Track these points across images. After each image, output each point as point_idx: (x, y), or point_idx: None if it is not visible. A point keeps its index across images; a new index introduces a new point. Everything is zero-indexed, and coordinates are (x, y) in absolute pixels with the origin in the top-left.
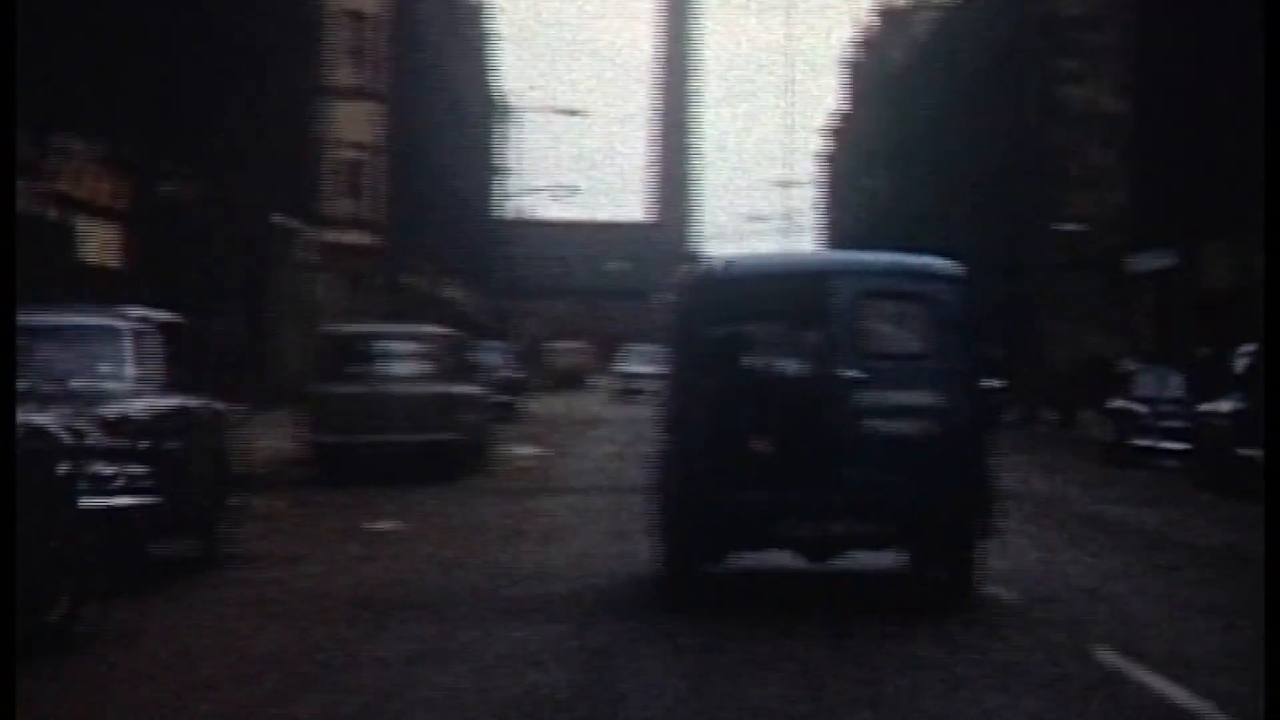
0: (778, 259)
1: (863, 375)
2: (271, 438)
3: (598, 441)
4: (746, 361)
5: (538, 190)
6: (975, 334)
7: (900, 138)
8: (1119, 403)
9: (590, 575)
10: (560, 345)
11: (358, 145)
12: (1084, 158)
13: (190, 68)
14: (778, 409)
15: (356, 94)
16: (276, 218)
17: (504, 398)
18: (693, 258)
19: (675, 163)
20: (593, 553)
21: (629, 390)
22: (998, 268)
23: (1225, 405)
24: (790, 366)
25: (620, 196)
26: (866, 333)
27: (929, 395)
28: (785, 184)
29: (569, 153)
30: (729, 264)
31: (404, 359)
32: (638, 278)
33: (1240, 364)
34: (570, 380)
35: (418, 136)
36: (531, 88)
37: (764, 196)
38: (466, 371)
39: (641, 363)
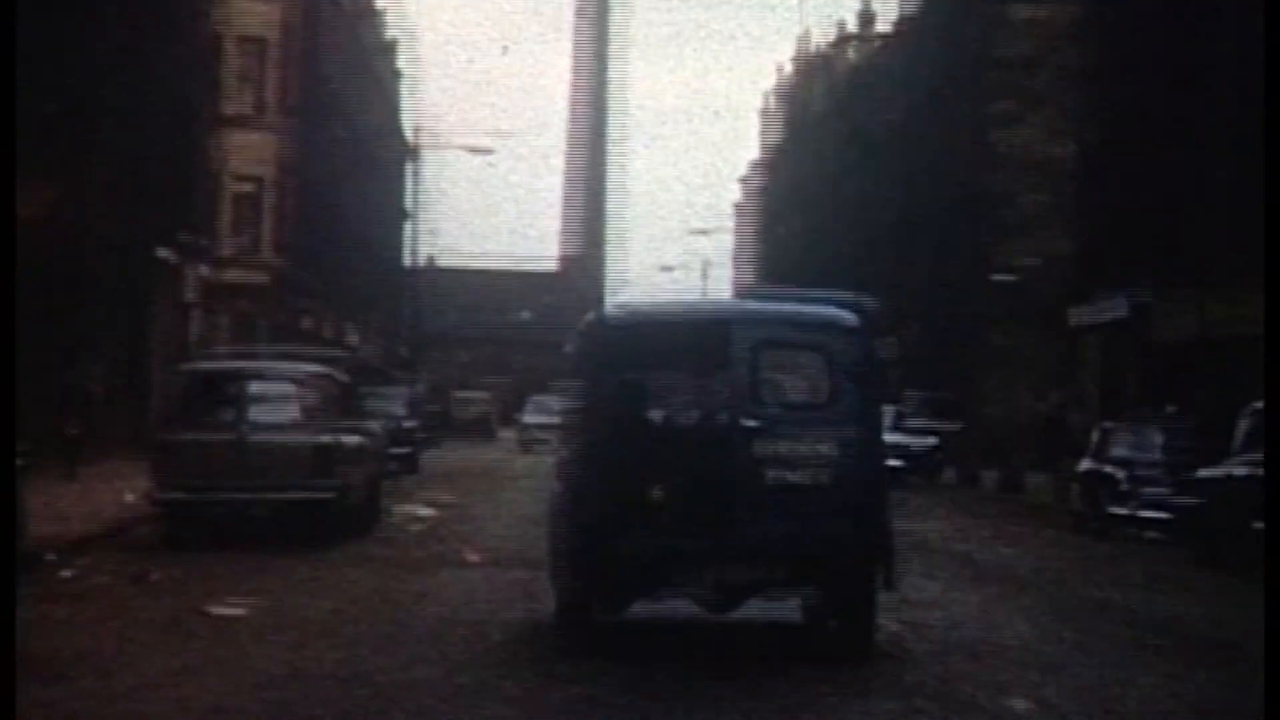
0: (675, 307)
1: (759, 424)
2: (118, 493)
3: (504, 500)
4: (643, 409)
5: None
6: (870, 384)
7: (818, 183)
8: (1090, 465)
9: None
10: (466, 394)
11: (249, 178)
12: (1019, 204)
13: (56, 76)
14: (674, 457)
15: (247, 123)
16: (160, 252)
17: (402, 449)
18: (598, 305)
19: (588, 209)
20: (497, 666)
21: (530, 440)
22: (928, 316)
23: (1238, 470)
24: (687, 415)
25: (530, 243)
26: (763, 382)
27: (824, 444)
28: (700, 232)
29: (480, 196)
30: (626, 311)
31: (273, 401)
32: (547, 327)
33: (1248, 423)
34: (477, 430)
35: (316, 171)
36: (441, 127)
37: (680, 245)
38: (351, 417)
39: (544, 414)
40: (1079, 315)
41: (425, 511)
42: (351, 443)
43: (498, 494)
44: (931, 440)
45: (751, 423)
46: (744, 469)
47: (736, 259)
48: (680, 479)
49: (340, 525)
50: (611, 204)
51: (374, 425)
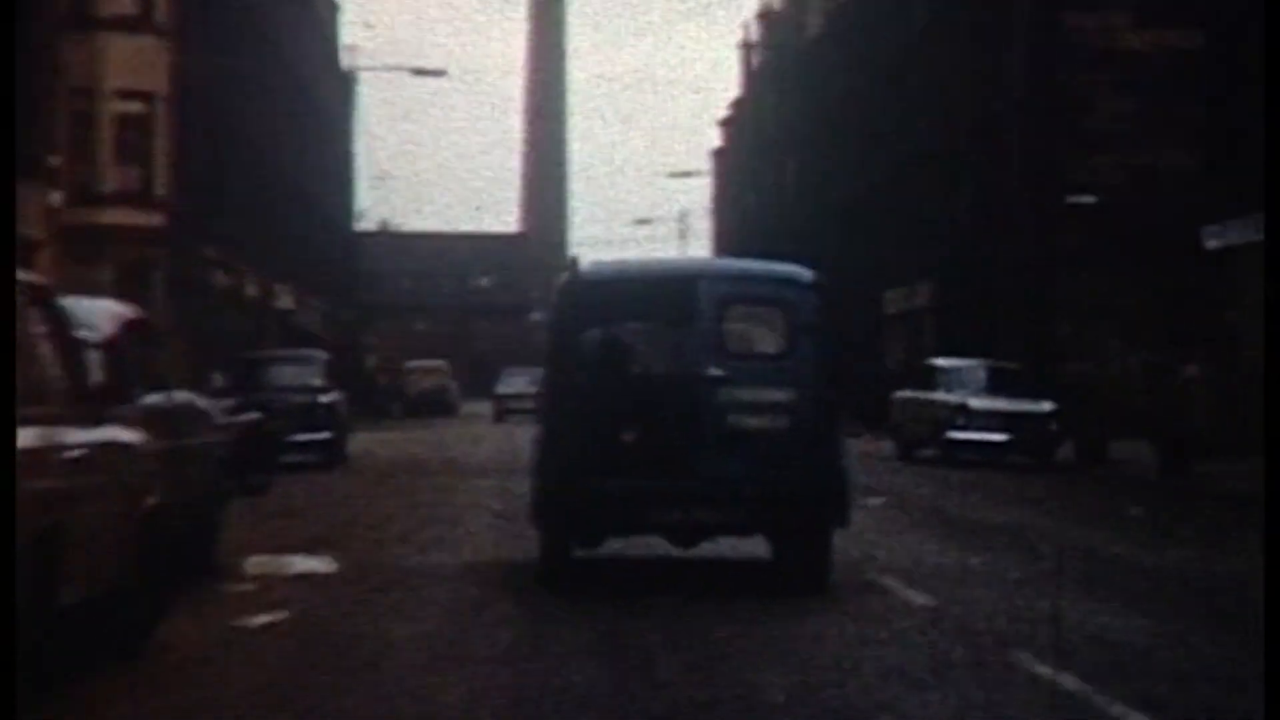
0: (645, 264)
1: (723, 373)
2: None
3: (464, 524)
4: (616, 360)
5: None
6: (826, 336)
7: (817, 115)
8: None
9: None
10: (419, 365)
11: (135, 94)
12: (1100, 108)
13: None
14: (645, 404)
15: (130, 26)
16: None
17: (317, 434)
18: (573, 263)
19: (550, 166)
20: None
21: (505, 411)
22: (976, 261)
23: None
24: (657, 365)
25: (488, 205)
26: (727, 334)
27: (783, 392)
28: (681, 175)
29: (431, 145)
30: (599, 268)
31: None
32: (508, 293)
33: None
34: (432, 406)
35: (228, 94)
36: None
37: (656, 193)
38: (120, 380)
39: (518, 384)
40: (1222, 235)
41: (307, 566)
42: (93, 443)
43: (451, 508)
44: (1045, 405)
45: (716, 371)
46: (709, 415)
47: (718, 210)
48: (650, 424)
49: (49, 642)
50: (578, 158)
51: (177, 399)
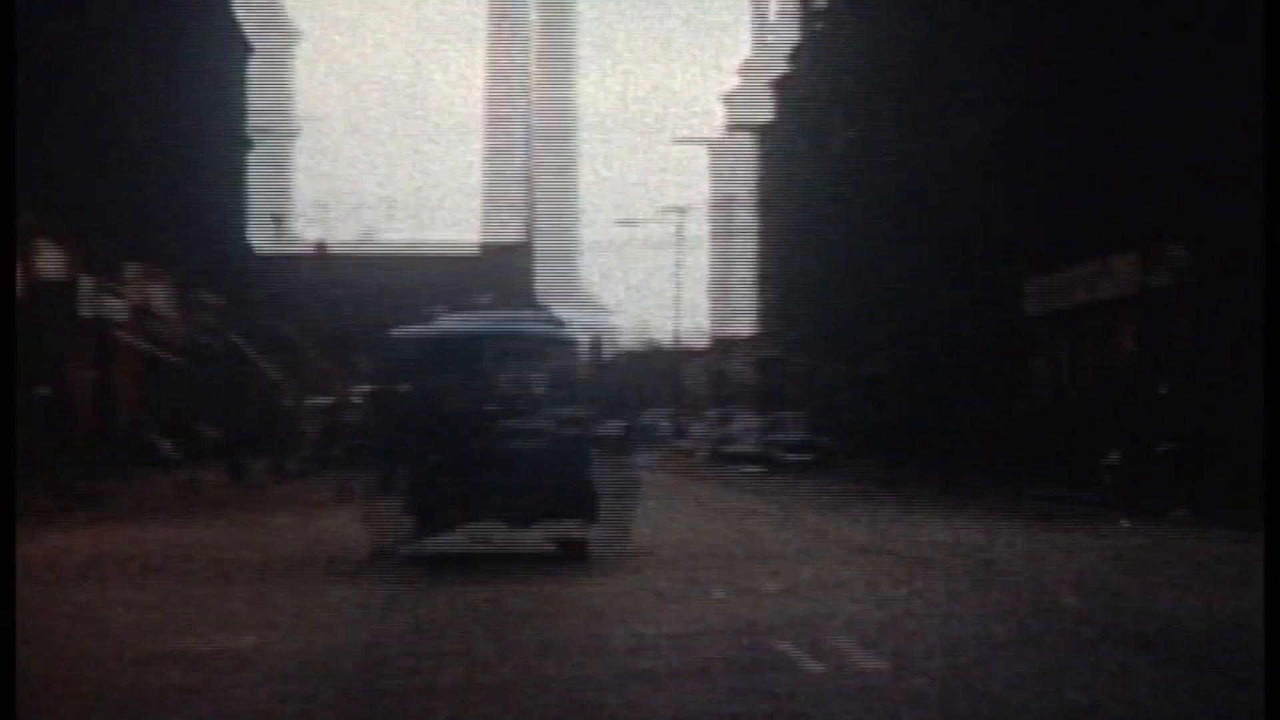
0: (446, 325)
1: (502, 408)
2: None
3: None
4: (429, 398)
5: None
6: (580, 380)
7: (919, 37)
8: None
9: None
10: (321, 402)
11: None
12: None
13: None
14: (451, 432)
15: None
16: None
17: None
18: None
19: (518, 187)
20: None
21: None
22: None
23: None
24: (458, 402)
25: (447, 221)
26: (507, 378)
27: (549, 422)
28: (681, 141)
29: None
30: (406, 332)
31: None
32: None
33: None
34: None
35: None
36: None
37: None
38: None
39: None
40: None
41: None
42: None
43: None
44: None
45: (497, 407)
46: (496, 440)
47: (717, 204)
48: (456, 448)
49: None
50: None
51: None
